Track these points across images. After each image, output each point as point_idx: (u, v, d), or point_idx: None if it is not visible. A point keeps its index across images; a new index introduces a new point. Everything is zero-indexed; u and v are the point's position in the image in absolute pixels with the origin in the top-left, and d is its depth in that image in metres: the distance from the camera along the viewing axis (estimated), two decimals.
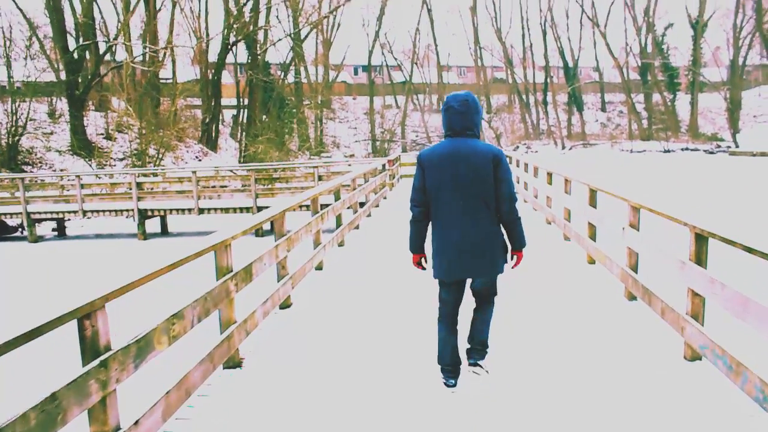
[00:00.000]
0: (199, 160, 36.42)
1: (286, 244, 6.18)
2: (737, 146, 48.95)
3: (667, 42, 57.80)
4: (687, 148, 50.83)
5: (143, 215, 17.83)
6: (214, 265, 4.61)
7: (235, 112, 45.73)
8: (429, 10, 58.41)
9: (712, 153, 48.82)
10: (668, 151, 50.45)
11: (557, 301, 6.20)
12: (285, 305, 6.37)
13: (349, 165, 22.71)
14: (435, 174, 3.82)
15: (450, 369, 4.11)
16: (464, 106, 3.78)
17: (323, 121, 54.94)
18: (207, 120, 40.40)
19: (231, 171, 28.11)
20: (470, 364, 4.25)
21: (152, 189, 18.76)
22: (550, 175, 10.79)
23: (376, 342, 5.17)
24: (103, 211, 18.08)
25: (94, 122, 33.20)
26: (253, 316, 5.09)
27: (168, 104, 36.83)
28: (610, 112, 63.19)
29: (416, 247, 4.11)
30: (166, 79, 41.16)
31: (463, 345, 4.31)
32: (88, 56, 32.03)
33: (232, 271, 4.67)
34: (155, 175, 21.98)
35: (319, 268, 8.06)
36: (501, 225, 3.92)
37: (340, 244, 9.67)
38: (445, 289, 4.07)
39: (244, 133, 41.76)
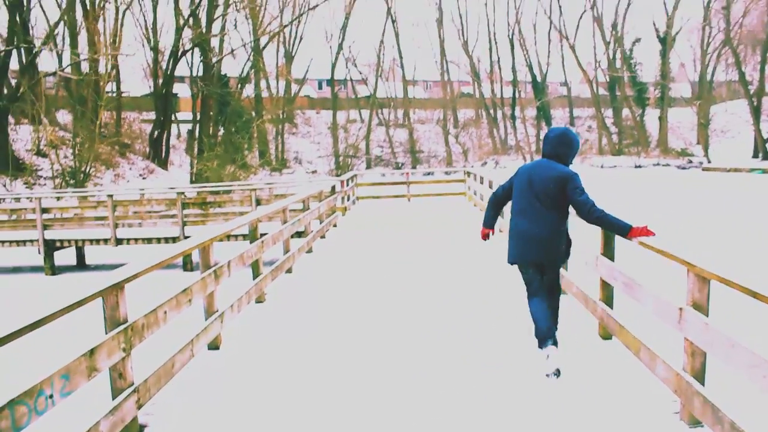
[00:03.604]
0: (144, 178, 33.58)
1: (122, 337, 3.72)
2: (709, 162, 47.79)
3: (635, 57, 56.73)
4: (658, 164, 49.53)
5: (50, 246, 14.98)
6: None
7: (191, 126, 43.01)
8: (394, 22, 56.43)
9: (684, 168, 47.53)
10: (639, 166, 49.08)
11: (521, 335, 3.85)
12: None
13: (314, 184, 20.19)
14: (518, 179, 4.75)
15: (544, 335, 4.48)
16: (555, 139, 4.65)
17: (285, 136, 52.43)
18: (156, 135, 37.61)
19: (182, 193, 25.29)
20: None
21: (62, 215, 15.98)
22: None
23: None
24: (2, 241, 15.23)
25: (25, 137, 30.31)
26: None
27: (109, 118, 34.05)
28: (578, 127, 61.79)
29: (485, 222, 5.14)
30: (113, 92, 38.28)
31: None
32: (19, 64, 29.16)
33: None
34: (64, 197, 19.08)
35: (213, 347, 5.47)
36: (564, 226, 4.68)
37: (259, 300, 7.14)
38: (522, 271, 4.78)
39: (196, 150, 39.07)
